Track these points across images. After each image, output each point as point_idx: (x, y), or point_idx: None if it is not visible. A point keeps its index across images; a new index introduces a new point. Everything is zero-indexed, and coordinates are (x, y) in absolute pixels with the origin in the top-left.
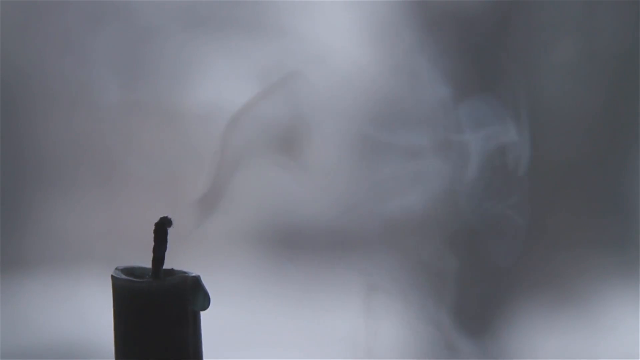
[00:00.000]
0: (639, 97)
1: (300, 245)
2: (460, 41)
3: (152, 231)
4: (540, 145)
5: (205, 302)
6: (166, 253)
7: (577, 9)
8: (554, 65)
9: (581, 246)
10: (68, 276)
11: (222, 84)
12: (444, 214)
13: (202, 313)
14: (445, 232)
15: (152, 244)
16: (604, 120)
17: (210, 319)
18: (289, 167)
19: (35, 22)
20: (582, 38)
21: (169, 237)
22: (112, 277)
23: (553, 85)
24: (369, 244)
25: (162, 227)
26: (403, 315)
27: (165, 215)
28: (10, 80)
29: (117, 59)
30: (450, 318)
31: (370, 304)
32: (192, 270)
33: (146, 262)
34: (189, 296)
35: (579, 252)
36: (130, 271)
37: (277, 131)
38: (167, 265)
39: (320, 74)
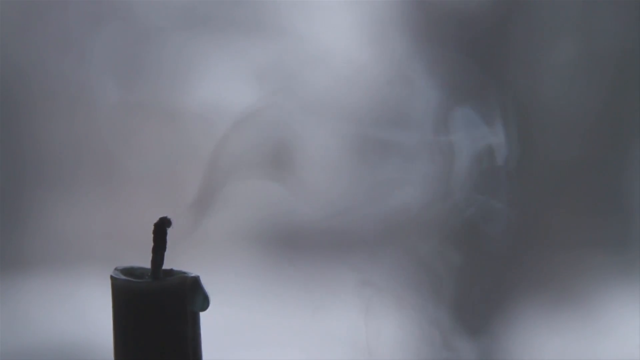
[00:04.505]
0: (639, 96)
1: (300, 246)
2: (460, 42)
3: (152, 232)
4: (539, 145)
5: (204, 303)
6: (165, 253)
7: (576, 9)
8: (554, 66)
9: (581, 246)
10: (68, 276)
11: (221, 84)
12: (442, 213)
13: (201, 313)
14: (443, 232)
15: (152, 244)
16: (603, 120)
17: (210, 319)
18: (289, 166)
19: (35, 22)
20: (582, 38)
21: (168, 237)
22: (112, 277)
23: (553, 85)
24: (368, 243)
25: (161, 228)
26: (402, 315)
27: (165, 215)
28: (10, 80)
29: (116, 59)
30: (450, 318)
31: (369, 303)
32: (192, 270)
33: (146, 262)
34: (188, 297)
35: (578, 252)
36: (129, 271)
37: (275, 132)
38: (167, 265)
39: (319, 74)
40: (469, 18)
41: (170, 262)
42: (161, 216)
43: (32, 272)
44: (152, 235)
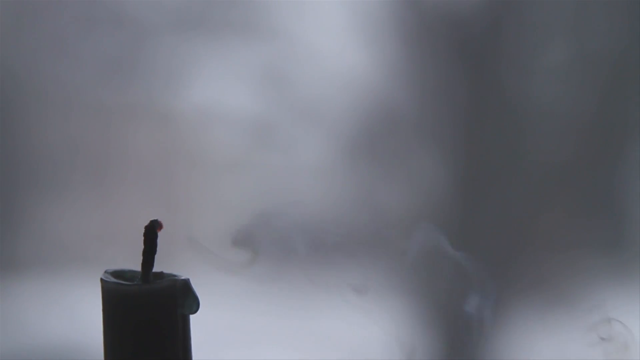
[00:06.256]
0: (633, 98)
1: (295, 246)
2: (452, 43)
3: (143, 234)
4: (533, 146)
5: (194, 306)
6: (157, 256)
7: (570, 11)
8: (547, 67)
9: (576, 247)
10: (60, 278)
11: (215, 86)
12: (438, 214)
13: (191, 316)
14: (439, 232)
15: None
16: (596, 122)
17: (200, 322)
18: (282, 168)
19: (30, 25)
20: (575, 40)
21: (160, 239)
22: (102, 280)
23: (546, 87)
24: (364, 245)
25: (152, 230)
26: (398, 316)
27: (156, 218)
28: (4, 82)
29: (110, 62)
30: (445, 318)
31: (364, 304)
32: (183, 273)
33: (138, 264)
34: (178, 299)
35: (573, 253)
36: (119, 274)
37: (269, 132)
38: (158, 268)
39: (314, 75)
40: (462, 20)
41: (163, 265)
42: (152, 219)
43: (24, 274)
44: (142, 238)
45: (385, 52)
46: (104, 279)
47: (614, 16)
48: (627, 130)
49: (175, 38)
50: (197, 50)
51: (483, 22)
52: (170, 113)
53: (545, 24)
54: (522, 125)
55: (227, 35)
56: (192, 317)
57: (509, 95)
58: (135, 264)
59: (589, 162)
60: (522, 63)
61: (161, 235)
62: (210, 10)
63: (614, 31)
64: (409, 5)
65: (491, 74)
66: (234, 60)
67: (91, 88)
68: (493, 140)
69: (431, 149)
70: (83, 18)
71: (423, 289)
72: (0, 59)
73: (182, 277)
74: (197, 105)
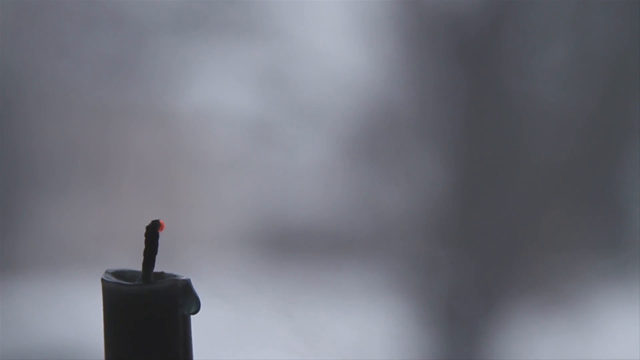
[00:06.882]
0: (633, 98)
1: (294, 247)
2: (452, 44)
3: (144, 234)
4: (531, 147)
5: (195, 306)
6: (158, 256)
7: (570, 12)
8: (546, 68)
9: (574, 248)
10: (60, 278)
11: (215, 86)
12: (437, 214)
13: (192, 316)
14: (438, 233)
15: (144, 247)
16: (596, 123)
17: (201, 322)
18: (282, 169)
19: (29, 25)
20: (575, 40)
21: (161, 239)
22: (102, 280)
23: (545, 87)
24: (363, 245)
25: (153, 231)
26: (397, 316)
27: (157, 218)
28: (4, 82)
29: (110, 62)
30: (445, 319)
31: (364, 304)
32: (184, 273)
33: (138, 265)
34: (179, 300)
35: (572, 254)
36: (120, 274)
37: (269, 133)
38: (159, 268)
39: (314, 75)
40: (461, 19)
41: (164, 265)
42: (153, 219)
43: (24, 274)
44: (143, 238)
45: (385, 52)
46: (105, 279)
47: (614, 16)
48: (627, 130)
49: (175, 38)
50: (197, 50)
51: (483, 22)
52: (170, 113)
53: (545, 24)
54: (522, 125)
55: (227, 35)
56: (192, 317)
57: (509, 95)
58: (135, 264)
59: (589, 162)
60: (522, 63)
61: (162, 235)
62: (210, 10)
63: (614, 31)
64: (409, 5)
65: (491, 74)
66: (234, 60)
67: (91, 88)
68: (493, 140)
69: (431, 149)
70: (83, 18)
71: (423, 289)
72: (0, 59)
73: (183, 278)
74: (197, 105)
